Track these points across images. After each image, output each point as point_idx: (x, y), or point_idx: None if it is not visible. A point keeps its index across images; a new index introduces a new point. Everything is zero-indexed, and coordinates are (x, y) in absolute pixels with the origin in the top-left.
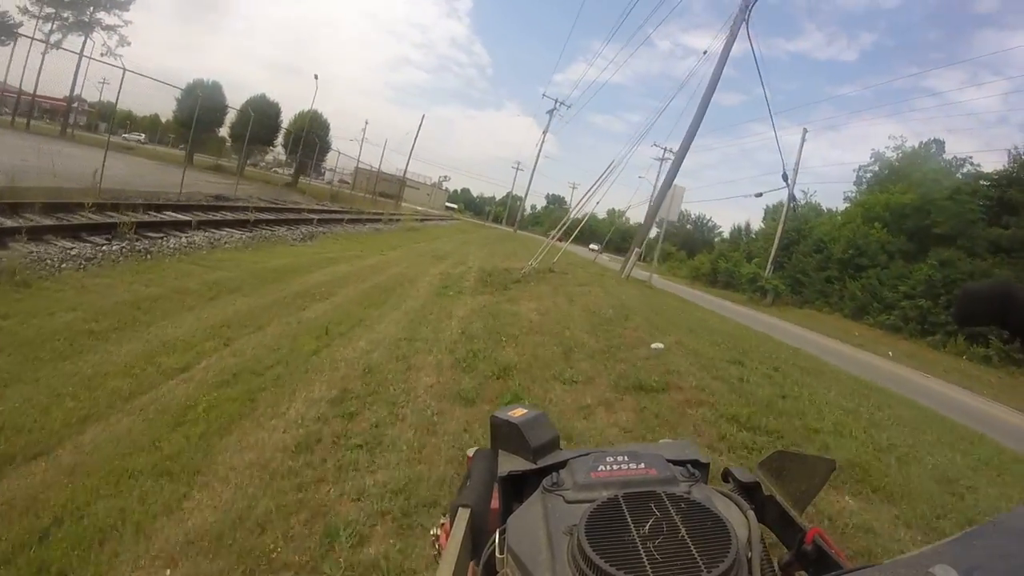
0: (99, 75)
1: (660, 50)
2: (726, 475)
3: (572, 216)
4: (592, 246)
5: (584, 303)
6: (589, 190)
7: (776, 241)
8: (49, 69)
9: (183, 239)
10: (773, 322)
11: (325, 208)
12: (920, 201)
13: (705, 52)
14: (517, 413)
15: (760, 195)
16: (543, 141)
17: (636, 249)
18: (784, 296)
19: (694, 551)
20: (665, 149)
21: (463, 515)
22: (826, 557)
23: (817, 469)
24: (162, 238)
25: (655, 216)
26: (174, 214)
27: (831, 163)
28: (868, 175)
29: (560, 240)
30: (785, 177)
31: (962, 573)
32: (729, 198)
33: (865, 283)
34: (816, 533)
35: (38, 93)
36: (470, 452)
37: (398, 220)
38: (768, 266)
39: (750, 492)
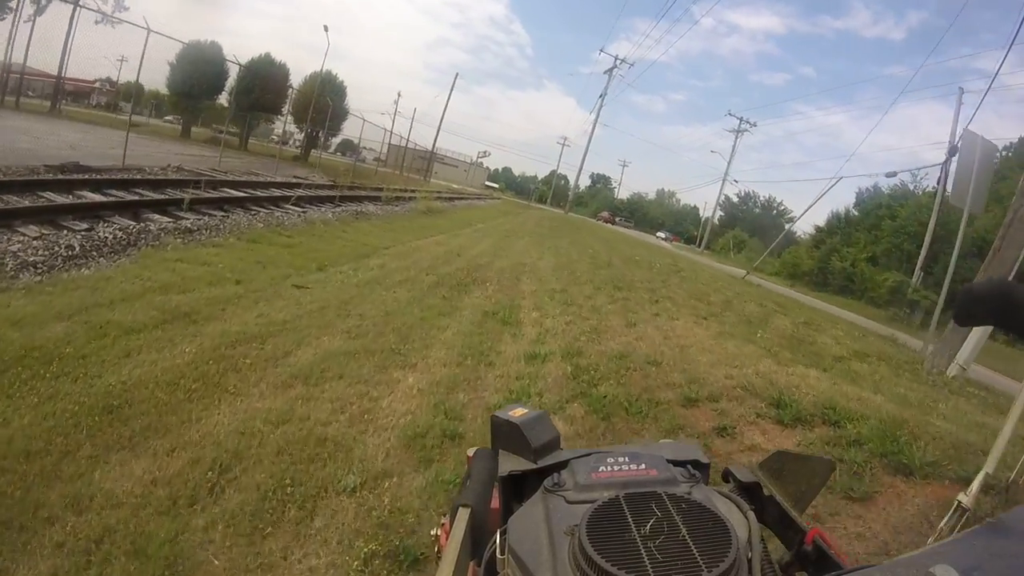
0: (117, 52)
1: (703, 27)
2: (726, 475)
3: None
4: (659, 234)
5: None
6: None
7: (928, 238)
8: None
9: None
10: None
11: (286, 182)
12: None
13: None
14: (518, 413)
15: (894, 174)
16: (600, 106)
17: None
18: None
19: (695, 551)
20: (741, 120)
21: (464, 515)
22: (826, 557)
23: (817, 469)
24: None
25: None
26: None
27: (878, 148)
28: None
29: None
30: (955, 150)
31: (962, 573)
32: (814, 180)
33: None
34: (816, 533)
35: (34, 69)
36: (470, 452)
37: (410, 199)
38: (917, 272)
39: (750, 492)
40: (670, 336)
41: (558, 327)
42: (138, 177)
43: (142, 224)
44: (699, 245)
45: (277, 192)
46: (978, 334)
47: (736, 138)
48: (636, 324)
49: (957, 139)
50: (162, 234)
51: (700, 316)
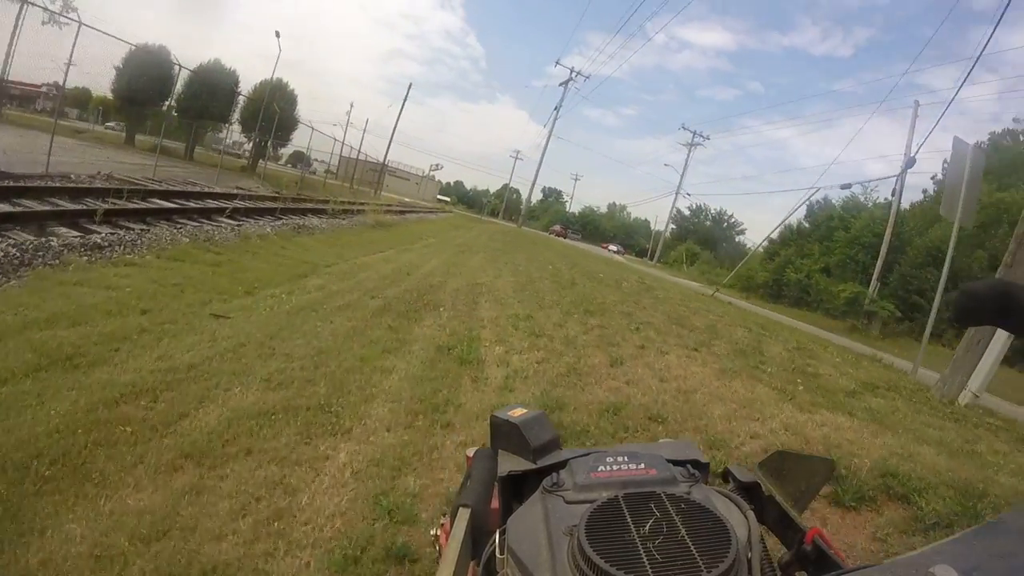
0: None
1: (655, 43)
2: (726, 475)
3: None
4: (611, 247)
5: None
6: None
7: (884, 248)
8: None
9: None
10: None
11: (224, 192)
12: None
13: None
14: (517, 413)
15: (849, 186)
16: (555, 119)
17: None
18: (892, 324)
19: (694, 551)
20: (695, 133)
21: (463, 515)
22: (825, 557)
23: (817, 469)
24: None
25: None
26: None
27: (825, 161)
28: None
29: None
30: (912, 162)
31: (962, 573)
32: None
33: None
34: (816, 533)
35: None
36: (470, 452)
37: (359, 212)
38: (873, 283)
39: (750, 492)
40: (666, 378)
41: (528, 367)
42: (57, 185)
43: (43, 239)
44: (651, 258)
45: (213, 204)
46: (990, 359)
47: (689, 151)
48: (623, 361)
49: (915, 151)
50: (65, 251)
51: (690, 347)
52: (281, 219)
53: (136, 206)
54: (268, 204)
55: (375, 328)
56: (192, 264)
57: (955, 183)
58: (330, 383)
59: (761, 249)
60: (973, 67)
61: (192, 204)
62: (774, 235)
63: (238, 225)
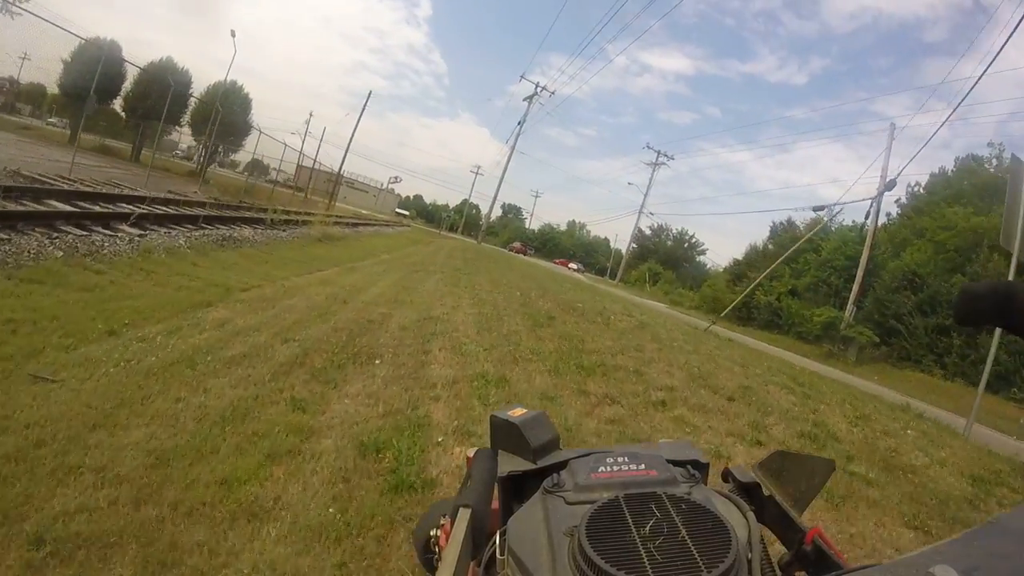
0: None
1: (616, 66)
2: (726, 475)
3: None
4: (571, 265)
5: None
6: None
7: (860, 272)
8: None
9: None
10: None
11: (146, 196)
12: None
13: None
14: (517, 413)
15: (822, 208)
16: (518, 133)
17: None
18: (868, 349)
19: (694, 552)
20: (659, 153)
21: (464, 515)
22: (825, 557)
23: (816, 469)
24: None
25: None
26: None
27: (780, 184)
28: (921, 193)
29: None
30: (892, 184)
31: (962, 573)
32: (757, 213)
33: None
34: (816, 533)
35: None
36: (470, 452)
37: (304, 223)
38: (849, 308)
39: (750, 492)
40: None
41: None
42: None
43: None
44: (612, 277)
45: (127, 208)
46: None
47: (653, 171)
48: None
49: (896, 174)
50: None
51: (748, 438)
52: (203, 229)
53: (11, 209)
54: (194, 211)
55: (270, 401)
56: (53, 288)
57: (1014, 207)
58: (142, 557)
59: (717, 267)
60: (963, 99)
61: (99, 208)
62: (737, 255)
63: (141, 235)
